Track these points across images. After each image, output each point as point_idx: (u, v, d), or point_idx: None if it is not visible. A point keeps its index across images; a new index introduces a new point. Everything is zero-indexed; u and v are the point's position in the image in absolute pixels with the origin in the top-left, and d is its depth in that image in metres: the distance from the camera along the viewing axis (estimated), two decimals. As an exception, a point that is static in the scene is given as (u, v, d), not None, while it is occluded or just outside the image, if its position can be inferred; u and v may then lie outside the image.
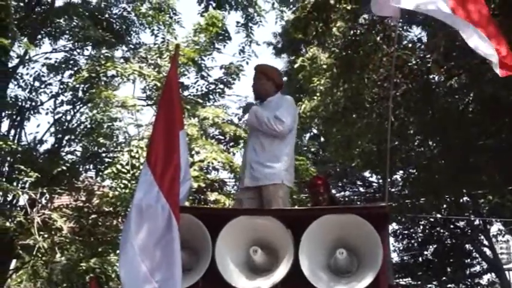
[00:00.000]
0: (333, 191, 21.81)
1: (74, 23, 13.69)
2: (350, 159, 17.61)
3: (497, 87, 11.85)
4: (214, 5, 15.30)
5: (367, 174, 23.19)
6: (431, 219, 24.33)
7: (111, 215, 13.10)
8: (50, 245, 12.45)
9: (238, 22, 15.19)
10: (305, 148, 18.77)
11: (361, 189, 24.87)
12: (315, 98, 16.02)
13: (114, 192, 12.46)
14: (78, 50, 14.45)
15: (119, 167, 12.13)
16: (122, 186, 12.13)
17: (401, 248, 26.56)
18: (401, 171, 20.43)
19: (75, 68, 13.79)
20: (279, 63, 21.38)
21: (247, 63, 14.85)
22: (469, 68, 12.82)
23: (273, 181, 5.79)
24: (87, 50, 14.31)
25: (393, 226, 24.49)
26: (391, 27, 12.71)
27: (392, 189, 20.07)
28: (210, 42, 14.09)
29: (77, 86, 13.45)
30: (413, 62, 13.83)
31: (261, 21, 15.20)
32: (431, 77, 14.25)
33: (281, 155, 5.84)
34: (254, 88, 6.12)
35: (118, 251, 11.73)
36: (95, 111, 12.79)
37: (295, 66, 17.65)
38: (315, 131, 21.87)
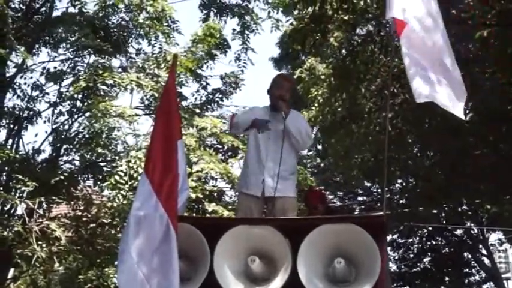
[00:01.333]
0: (332, 200, 21.97)
1: (72, 32, 13.68)
2: (349, 169, 17.64)
3: (493, 98, 11.90)
4: (215, 11, 15.29)
5: (366, 183, 23.22)
6: (430, 228, 24.34)
7: (109, 225, 13.08)
8: (48, 254, 12.42)
9: (234, 29, 15.20)
10: (304, 160, 18.78)
11: (360, 198, 24.90)
12: (313, 108, 16.06)
13: (112, 203, 12.45)
14: (76, 59, 14.45)
15: (117, 178, 12.12)
16: (121, 197, 12.13)
17: (399, 257, 26.56)
18: (399, 180, 20.46)
19: (73, 78, 13.79)
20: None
21: (242, 71, 14.90)
22: (467, 77, 12.85)
23: (292, 193, 5.95)
24: (85, 59, 14.32)
25: (392, 236, 24.51)
26: (388, 37, 12.75)
27: (391, 198, 20.10)
28: (208, 53, 14.12)
29: (75, 95, 13.45)
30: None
31: (257, 29, 15.19)
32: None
33: (296, 168, 6.06)
34: (282, 98, 6.00)
35: (116, 262, 11.82)
36: (92, 121, 12.78)
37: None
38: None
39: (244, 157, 6.41)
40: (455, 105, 4.98)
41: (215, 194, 13.31)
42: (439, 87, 4.91)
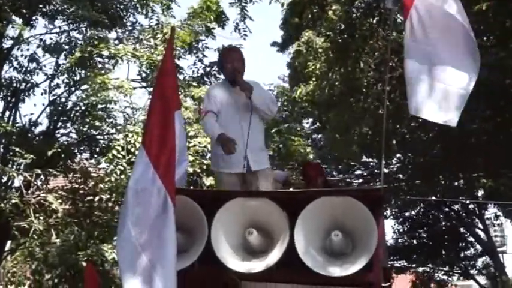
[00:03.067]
0: (330, 173, 22.02)
1: (69, 3, 13.57)
2: (347, 144, 17.64)
3: (492, 72, 11.85)
4: None
5: (364, 157, 23.22)
6: (426, 202, 24.43)
7: (107, 199, 13.09)
8: (46, 226, 12.46)
9: None
10: (302, 133, 18.77)
11: (358, 171, 24.93)
12: (311, 82, 16.00)
13: (110, 177, 12.45)
14: (72, 31, 14.36)
15: (115, 152, 12.11)
16: (118, 172, 12.12)
17: (395, 231, 26.69)
18: (398, 155, 20.49)
19: (70, 49, 13.70)
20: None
21: (244, 39, 14.72)
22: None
23: (268, 165, 6.03)
24: (82, 31, 14.22)
25: (390, 210, 24.58)
26: (387, 10, 12.68)
27: (388, 172, 20.14)
28: (206, 28, 14.00)
29: (71, 67, 13.37)
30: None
31: None
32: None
33: (264, 139, 6.06)
34: (238, 70, 5.95)
35: (113, 236, 11.86)
36: (89, 94, 12.74)
37: (291, 51, 17.58)
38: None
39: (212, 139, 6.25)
40: (448, 114, 4.98)
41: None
42: (433, 96, 4.91)
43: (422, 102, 4.94)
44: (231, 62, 6.02)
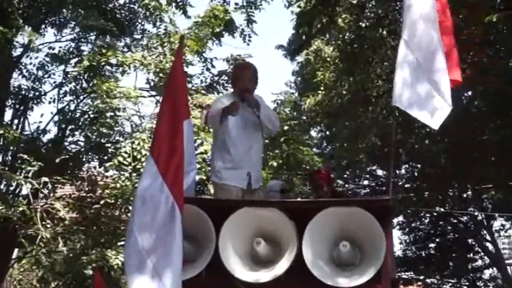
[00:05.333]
0: (338, 183, 21.97)
1: (78, 13, 13.62)
2: (355, 153, 17.61)
3: (502, 83, 11.83)
4: None
5: (372, 167, 23.19)
6: (434, 214, 24.35)
7: (113, 205, 13.08)
8: (53, 234, 12.45)
9: (236, 4, 14.85)
10: (310, 141, 18.74)
11: (366, 182, 24.87)
12: (319, 92, 15.98)
13: (116, 184, 12.44)
14: (82, 40, 14.40)
15: (121, 159, 12.11)
16: (124, 178, 12.12)
17: (402, 241, 26.60)
18: (406, 165, 20.45)
19: (79, 58, 13.74)
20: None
21: (248, 44, 14.69)
22: (474, 62, 12.79)
23: (261, 182, 6.10)
24: (91, 40, 14.26)
25: (397, 220, 24.51)
26: (397, 20, 12.67)
27: (396, 182, 20.09)
28: (213, 34, 13.99)
29: (79, 76, 13.41)
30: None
31: (261, 5, 14.86)
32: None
33: None
34: (247, 90, 5.94)
35: (120, 242, 11.84)
36: (97, 102, 12.76)
37: (300, 59, 17.56)
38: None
39: (214, 148, 6.19)
40: (436, 115, 4.92)
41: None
42: (424, 93, 4.88)
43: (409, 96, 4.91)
44: (241, 81, 6.01)
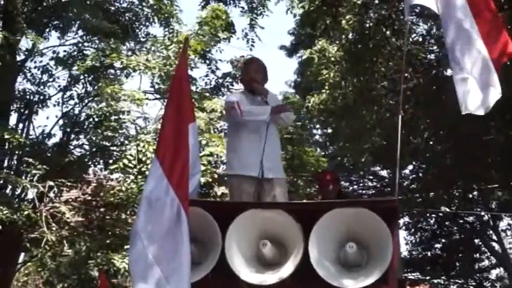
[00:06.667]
0: (342, 185, 21.94)
1: (82, 16, 13.62)
2: (360, 154, 17.58)
3: (507, 82, 11.78)
4: None
5: (377, 168, 23.15)
6: (440, 214, 24.30)
7: (119, 208, 13.08)
8: (58, 237, 12.45)
9: (243, 8, 14.93)
10: (314, 141, 18.73)
11: (370, 183, 24.85)
12: (324, 91, 15.96)
13: (121, 186, 12.46)
14: (86, 44, 14.41)
15: (126, 161, 12.11)
16: (129, 181, 12.13)
17: (408, 242, 26.56)
18: (411, 166, 20.41)
19: (83, 62, 13.75)
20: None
21: (251, 49, 14.75)
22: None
23: (283, 175, 6.13)
24: (95, 42, 14.26)
25: (404, 219, 24.47)
26: (401, 20, 12.65)
27: (401, 183, 20.04)
28: (215, 35, 14.00)
29: (83, 77, 13.43)
30: (423, 55, 13.76)
31: (264, 11, 14.92)
32: (441, 69, 14.20)
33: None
34: (254, 79, 6.09)
35: (127, 246, 11.83)
36: (102, 105, 12.77)
37: (303, 57, 17.55)
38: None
39: (229, 142, 6.35)
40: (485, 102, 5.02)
41: (225, 178, 13.27)
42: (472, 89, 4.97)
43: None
44: (248, 73, 6.20)
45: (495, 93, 5.00)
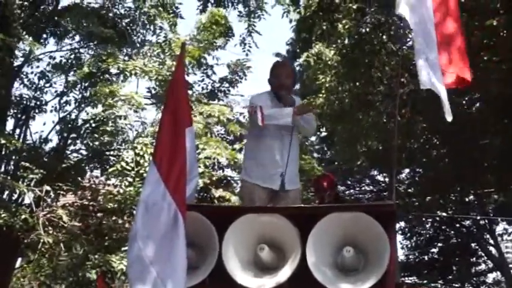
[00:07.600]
0: (339, 189, 21.93)
1: (79, 22, 13.64)
2: (356, 158, 17.57)
3: (503, 86, 11.82)
4: (213, 0, 15.06)
5: (374, 172, 23.16)
6: (437, 218, 24.32)
7: (116, 213, 13.09)
8: (55, 239, 12.45)
9: (240, 12, 14.94)
10: (311, 147, 18.72)
11: (367, 187, 24.85)
12: (320, 95, 15.96)
13: (118, 190, 12.47)
14: (82, 50, 14.44)
15: (124, 164, 12.12)
16: (127, 184, 12.14)
17: (404, 246, 26.57)
18: (407, 170, 20.42)
19: (79, 67, 13.77)
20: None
21: (246, 54, 14.76)
22: (475, 66, 12.77)
23: (299, 185, 6.00)
24: (92, 48, 14.29)
25: (400, 224, 24.49)
26: (397, 25, 12.67)
27: (398, 187, 20.05)
28: (213, 41, 14.03)
29: (80, 83, 13.45)
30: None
31: (263, 15, 14.92)
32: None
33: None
34: (284, 86, 5.90)
35: (124, 248, 11.84)
36: (99, 109, 12.78)
37: (300, 61, 17.55)
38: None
39: (248, 146, 6.15)
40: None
41: (224, 180, 13.31)
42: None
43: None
44: (278, 77, 5.94)
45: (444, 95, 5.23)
